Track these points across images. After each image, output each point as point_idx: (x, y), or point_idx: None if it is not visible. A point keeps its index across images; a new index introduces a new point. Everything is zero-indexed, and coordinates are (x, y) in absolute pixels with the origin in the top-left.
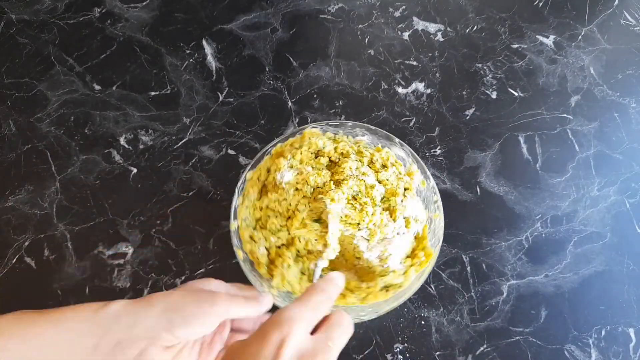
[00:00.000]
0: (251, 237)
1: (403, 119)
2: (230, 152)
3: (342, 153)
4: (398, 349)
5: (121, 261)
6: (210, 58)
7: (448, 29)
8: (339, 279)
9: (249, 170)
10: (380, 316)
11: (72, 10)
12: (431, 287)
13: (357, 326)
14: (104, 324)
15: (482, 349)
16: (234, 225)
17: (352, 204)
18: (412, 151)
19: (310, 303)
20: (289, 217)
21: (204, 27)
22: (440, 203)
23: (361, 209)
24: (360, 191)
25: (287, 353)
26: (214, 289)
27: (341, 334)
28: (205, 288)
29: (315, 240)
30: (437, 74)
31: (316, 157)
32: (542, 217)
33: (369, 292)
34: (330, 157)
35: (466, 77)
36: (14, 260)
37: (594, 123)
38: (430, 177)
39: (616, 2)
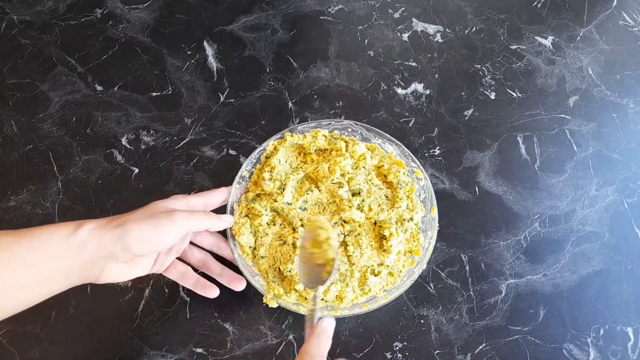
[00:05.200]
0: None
1: (402, 120)
2: (231, 152)
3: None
4: (397, 348)
5: None
6: (211, 59)
7: (447, 30)
8: (331, 328)
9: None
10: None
11: (73, 11)
12: (430, 287)
13: (357, 325)
14: (74, 249)
15: (480, 347)
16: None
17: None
18: (351, 122)
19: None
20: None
21: (205, 28)
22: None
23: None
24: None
25: None
26: (177, 207)
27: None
28: (167, 206)
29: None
30: (436, 75)
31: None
32: (541, 217)
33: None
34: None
35: (465, 78)
36: None
37: (592, 123)
38: (382, 133)
39: (614, 3)
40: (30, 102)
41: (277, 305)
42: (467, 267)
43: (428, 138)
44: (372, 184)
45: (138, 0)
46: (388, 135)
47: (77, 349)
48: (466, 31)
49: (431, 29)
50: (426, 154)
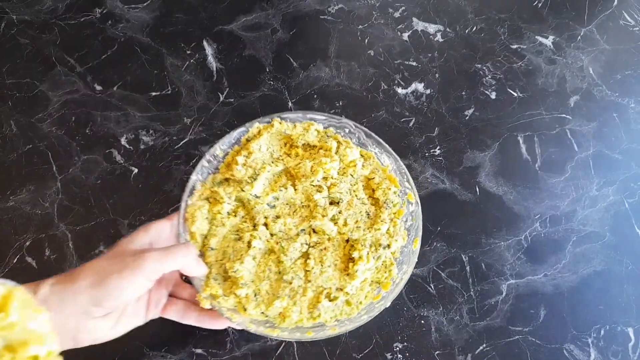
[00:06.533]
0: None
1: (402, 120)
2: None
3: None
4: (398, 348)
5: None
6: (210, 58)
7: (447, 29)
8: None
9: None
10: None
11: (73, 10)
12: (430, 287)
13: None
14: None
15: (481, 348)
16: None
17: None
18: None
19: None
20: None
21: (205, 27)
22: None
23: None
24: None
25: None
26: (148, 239)
27: None
28: (135, 247)
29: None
30: (437, 75)
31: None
32: (541, 217)
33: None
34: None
35: (465, 78)
36: (15, 260)
37: (593, 123)
38: (381, 142)
39: (615, 2)
40: (30, 102)
41: (210, 306)
42: (468, 268)
43: (428, 138)
44: (356, 196)
45: (137, 0)
46: (387, 147)
47: (76, 350)
48: (467, 31)
49: (431, 28)
50: (426, 154)
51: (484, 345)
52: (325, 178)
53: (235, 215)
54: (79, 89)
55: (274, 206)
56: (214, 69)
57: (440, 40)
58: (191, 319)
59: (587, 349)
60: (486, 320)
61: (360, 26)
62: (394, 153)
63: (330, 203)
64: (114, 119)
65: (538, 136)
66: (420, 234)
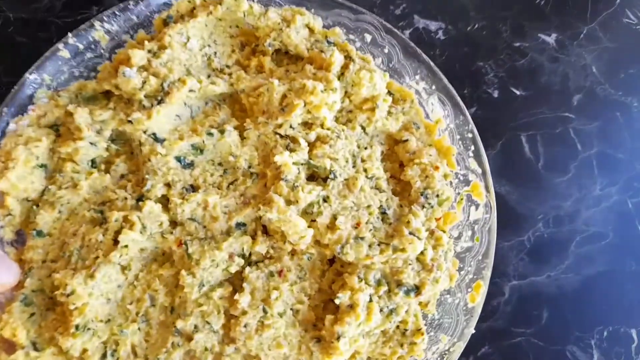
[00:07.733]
0: None
1: None
2: None
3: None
4: None
5: None
6: None
7: (449, 27)
8: None
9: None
10: None
11: (70, 8)
12: None
13: None
14: None
15: (483, 350)
16: None
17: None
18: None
19: None
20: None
21: None
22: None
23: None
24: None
25: None
26: None
27: None
28: None
29: None
30: None
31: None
32: (544, 217)
33: None
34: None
35: (467, 76)
36: None
37: (596, 122)
38: (435, 71)
39: (618, 0)
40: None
41: None
42: None
43: None
44: (366, 171)
45: None
46: (446, 81)
47: None
48: (468, 28)
49: (433, 25)
50: None
51: (486, 347)
52: (307, 124)
53: (105, 171)
54: None
55: (190, 164)
56: None
57: (442, 38)
58: None
59: (589, 351)
60: (488, 322)
61: None
62: (457, 97)
63: (310, 177)
64: None
65: (541, 135)
66: (488, 274)
